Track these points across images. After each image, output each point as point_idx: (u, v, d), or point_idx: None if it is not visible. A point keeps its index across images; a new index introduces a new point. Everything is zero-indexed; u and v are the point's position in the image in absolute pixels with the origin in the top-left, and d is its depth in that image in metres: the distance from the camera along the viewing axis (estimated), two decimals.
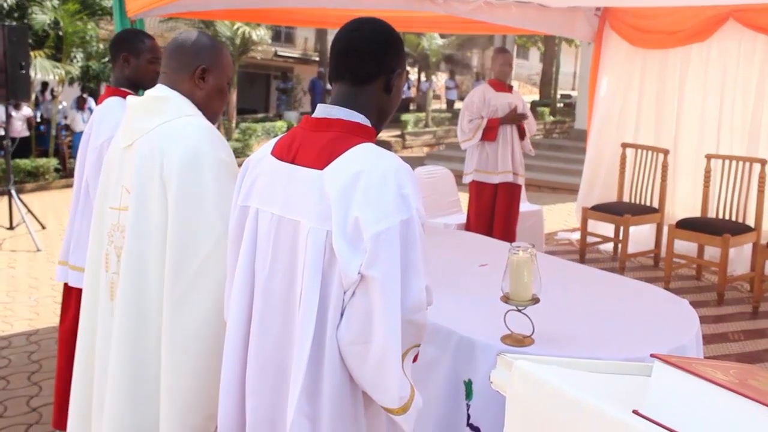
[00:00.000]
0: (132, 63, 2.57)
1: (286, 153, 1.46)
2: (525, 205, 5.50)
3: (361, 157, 1.36)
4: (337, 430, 1.36)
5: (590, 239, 5.90)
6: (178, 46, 1.88)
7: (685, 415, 0.72)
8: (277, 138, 1.55)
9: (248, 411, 1.45)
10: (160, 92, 1.86)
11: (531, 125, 5.19)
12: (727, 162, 5.19)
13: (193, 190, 1.73)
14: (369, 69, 1.45)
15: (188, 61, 1.86)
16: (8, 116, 8.99)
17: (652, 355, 0.79)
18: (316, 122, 1.46)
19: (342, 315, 1.34)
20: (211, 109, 1.90)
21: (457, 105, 18.49)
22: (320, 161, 1.38)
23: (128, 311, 1.79)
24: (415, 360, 1.45)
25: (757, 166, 5.01)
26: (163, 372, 1.73)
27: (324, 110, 1.46)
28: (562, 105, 19.62)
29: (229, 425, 1.50)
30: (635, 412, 0.75)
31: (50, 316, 4.53)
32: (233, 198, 1.55)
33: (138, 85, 2.60)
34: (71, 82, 11.43)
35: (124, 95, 2.49)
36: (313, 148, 1.41)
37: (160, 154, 1.76)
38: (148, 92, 1.91)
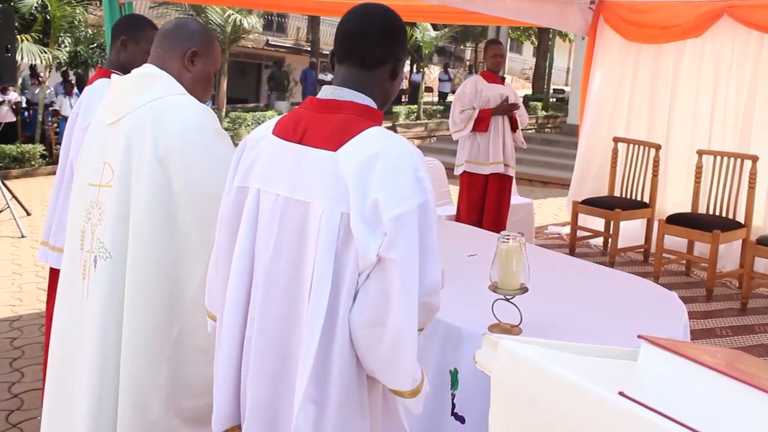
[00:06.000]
0: (129, 48, 2.54)
1: (291, 133, 1.42)
2: (516, 199, 5.48)
3: (375, 139, 1.35)
4: (344, 413, 1.34)
5: (580, 233, 5.89)
6: (173, 27, 1.91)
7: (672, 396, 0.70)
8: (276, 118, 1.51)
9: (249, 396, 1.41)
10: (149, 70, 1.85)
11: (523, 117, 5.17)
12: (718, 158, 5.19)
13: (201, 160, 1.74)
14: (379, 54, 1.45)
15: (180, 42, 1.86)
16: None
17: (639, 336, 0.76)
18: (323, 103, 1.43)
19: (354, 298, 1.33)
20: (195, 95, 1.89)
21: (450, 98, 18.46)
22: (332, 143, 1.35)
23: (105, 291, 1.75)
24: None
25: (748, 163, 5.01)
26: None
27: (331, 92, 1.44)
28: (554, 100, 19.64)
29: (225, 411, 1.46)
30: (621, 393, 0.72)
31: (33, 302, 4.48)
32: (228, 178, 1.50)
33: (129, 71, 2.57)
34: (59, 67, 11.29)
35: None
36: (323, 130, 1.39)
37: (154, 130, 1.73)
38: (135, 70, 1.88)
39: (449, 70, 20.99)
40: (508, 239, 2.00)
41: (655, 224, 5.28)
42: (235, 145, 1.64)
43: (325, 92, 1.45)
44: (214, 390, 1.48)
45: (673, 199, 5.82)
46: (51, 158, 10.38)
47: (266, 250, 1.40)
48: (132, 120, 1.77)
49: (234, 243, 1.46)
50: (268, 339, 1.40)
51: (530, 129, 14.69)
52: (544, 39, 20.46)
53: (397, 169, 1.31)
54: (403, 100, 19.04)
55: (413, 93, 18.82)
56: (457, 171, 5.09)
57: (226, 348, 1.45)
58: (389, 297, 1.29)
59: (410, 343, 1.31)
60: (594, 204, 5.62)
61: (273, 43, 20.05)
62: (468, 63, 25.17)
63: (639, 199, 5.66)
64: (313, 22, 19.48)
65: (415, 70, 20.09)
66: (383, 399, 1.46)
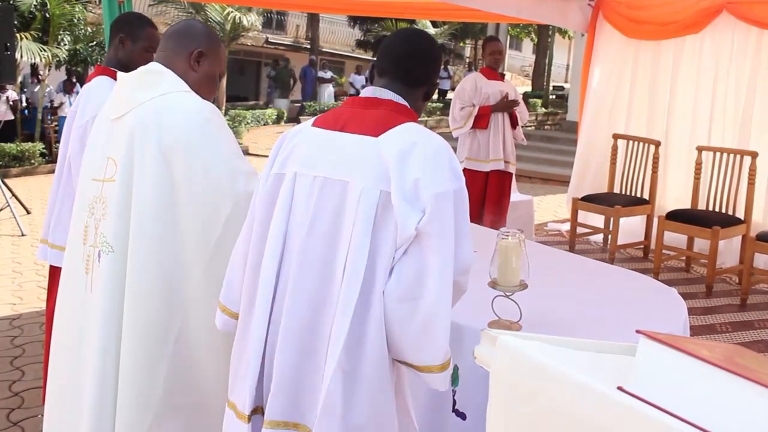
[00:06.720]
0: (127, 46, 2.55)
1: (332, 124, 1.53)
2: (516, 195, 5.48)
3: (415, 130, 1.48)
4: (374, 387, 1.39)
5: (580, 230, 5.88)
6: (180, 28, 1.95)
7: (670, 391, 0.70)
8: (313, 118, 1.62)
9: (275, 368, 1.45)
10: (154, 67, 1.87)
11: (523, 113, 5.16)
12: (718, 154, 5.19)
13: (204, 156, 1.75)
14: (421, 76, 1.61)
15: (187, 42, 1.89)
16: None
17: (637, 331, 0.76)
18: (364, 100, 1.57)
19: (390, 274, 1.39)
20: (200, 95, 1.90)
21: (450, 95, 18.42)
22: (374, 130, 1.47)
23: (108, 286, 1.76)
24: None
25: (747, 159, 5.01)
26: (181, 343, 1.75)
27: (373, 91, 1.57)
28: (554, 97, 19.58)
29: (253, 391, 1.48)
30: (620, 388, 0.72)
31: (34, 301, 4.48)
32: (265, 170, 1.57)
33: (128, 69, 2.56)
34: (58, 65, 11.26)
35: (113, 75, 2.45)
36: (364, 120, 1.50)
37: (158, 125, 1.74)
38: (141, 67, 1.91)
39: (449, 67, 20.94)
40: (507, 236, 2.01)
41: (655, 221, 5.28)
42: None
43: (368, 92, 1.58)
44: (243, 373, 1.50)
45: (673, 195, 5.82)
46: (51, 157, 10.33)
47: (301, 228, 1.46)
48: (136, 116, 1.78)
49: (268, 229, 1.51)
50: (299, 312, 1.45)
51: (530, 126, 14.66)
52: (543, 36, 20.41)
53: (435, 157, 1.44)
54: None
55: None
56: None
57: (255, 330, 1.48)
58: (426, 271, 1.37)
59: (444, 318, 1.39)
60: (594, 201, 5.62)
61: (272, 40, 20.01)
62: (467, 60, 25.08)
63: (639, 195, 5.66)
64: (313, 20, 19.44)
65: None
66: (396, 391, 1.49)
